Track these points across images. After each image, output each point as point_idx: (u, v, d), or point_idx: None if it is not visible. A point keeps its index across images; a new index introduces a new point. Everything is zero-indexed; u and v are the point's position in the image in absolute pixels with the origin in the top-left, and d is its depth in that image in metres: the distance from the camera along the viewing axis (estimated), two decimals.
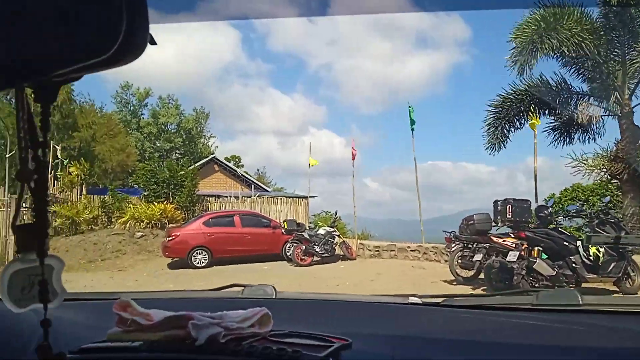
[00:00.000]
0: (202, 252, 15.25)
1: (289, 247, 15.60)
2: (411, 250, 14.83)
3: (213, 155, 39.54)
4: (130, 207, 19.92)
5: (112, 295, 1.69)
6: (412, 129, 17.29)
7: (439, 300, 1.71)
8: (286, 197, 24.66)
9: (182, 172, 22.32)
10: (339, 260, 15.69)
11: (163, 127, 51.54)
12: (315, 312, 1.76)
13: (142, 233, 18.24)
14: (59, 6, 0.51)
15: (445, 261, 12.67)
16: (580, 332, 1.41)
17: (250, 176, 40.65)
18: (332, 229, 15.47)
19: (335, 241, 15.34)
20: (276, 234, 15.89)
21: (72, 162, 21.15)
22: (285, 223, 15.38)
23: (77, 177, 20.49)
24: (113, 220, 20.84)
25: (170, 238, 15.29)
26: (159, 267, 15.58)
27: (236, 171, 39.38)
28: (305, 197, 23.84)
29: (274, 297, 1.83)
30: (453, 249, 10.48)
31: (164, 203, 20.31)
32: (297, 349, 1.06)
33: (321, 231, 15.32)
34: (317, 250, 14.88)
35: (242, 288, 1.93)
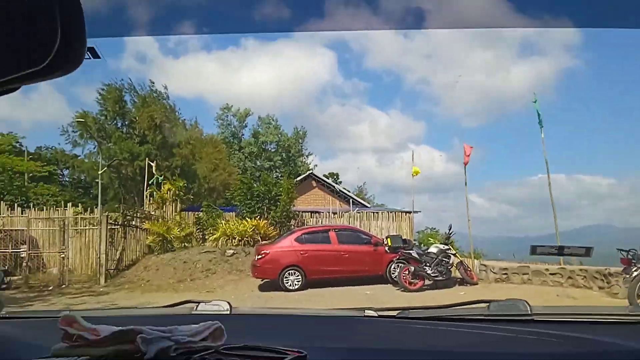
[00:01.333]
0: (294, 273, 13.18)
1: (394, 267, 13.10)
2: (550, 274, 11.64)
3: (311, 171, 38.01)
4: (222, 224, 18.50)
5: (58, 313, 1.57)
6: (540, 123, 14.02)
7: (395, 312, 1.73)
8: (387, 211, 22.07)
9: (278, 186, 20.68)
10: (456, 284, 12.88)
11: (263, 146, 51.70)
12: (270, 326, 1.74)
13: (233, 251, 16.62)
14: None
15: (600, 288, 9.55)
16: (530, 341, 1.41)
17: (349, 192, 38.54)
18: (446, 247, 12.71)
19: (450, 261, 12.57)
20: (378, 252, 13.43)
21: (167, 179, 20.28)
22: (389, 239, 12.86)
23: (170, 194, 19.51)
24: (207, 237, 19.60)
25: (259, 256, 13.41)
26: (249, 289, 13.75)
27: (334, 187, 37.53)
28: (409, 212, 21.14)
29: (228, 312, 1.79)
30: (635, 274, 7.44)
31: (258, 219, 18.68)
32: None
33: (433, 249, 12.62)
34: (429, 272, 12.22)
35: (196, 304, 1.87)
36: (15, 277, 15.85)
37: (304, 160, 53.23)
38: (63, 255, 16.20)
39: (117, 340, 1.06)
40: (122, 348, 1.04)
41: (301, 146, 53.96)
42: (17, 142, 39.58)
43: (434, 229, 37.24)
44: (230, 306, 1.83)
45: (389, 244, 12.64)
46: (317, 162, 50.15)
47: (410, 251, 12.43)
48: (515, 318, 1.57)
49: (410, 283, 12.09)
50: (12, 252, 16.01)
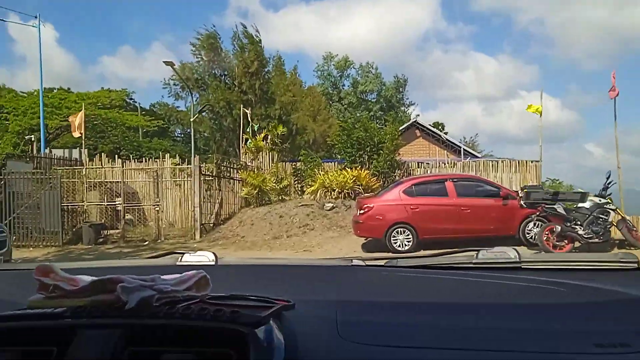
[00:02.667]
0: (403, 231, 10.86)
1: (532, 226, 10.30)
2: None
3: (414, 120, 34.82)
4: (320, 174, 16.51)
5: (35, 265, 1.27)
6: None
7: (382, 262, 1.70)
8: (509, 160, 18.72)
9: (381, 133, 18.21)
10: (614, 247, 9.85)
11: (362, 96, 49.35)
12: (257, 276, 1.70)
13: (332, 204, 14.62)
14: None
15: None
16: (518, 289, 1.39)
17: (455, 142, 34.96)
18: (604, 201, 9.61)
19: (609, 219, 9.49)
20: (509, 207, 10.63)
21: (265, 128, 18.55)
22: (525, 191, 9.98)
23: (267, 142, 17.80)
24: (305, 189, 17.83)
25: (362, 211, 11.21)
26: (351, 249, 11.71)
27: (441, 136, 34.22)
28: (536, 161, 17.68)
29: (214, 263, 1.69)
30: None
31: (359, 169, 16.45)
32: (236, 310, 0.93)
33: (586, 203, 9.58)
34: (581, 232, 9.30)
35: (180, 255, 1.76)
36: (114, 231, 15.20)
37: (405, 110, 50.14)
38: (158, 209, 15.23)
39: (96, 289, 0.96)
40: (102, 298, 0.95)
41: (402, 95, 50.72)
42: (130, 97, 40.70)
43: (557, 179, 32.83)
44: (216, 257, 1.71)
45: (526, 197, 9.78)
46: (418, 112, 46.49)
47: (554, 206, 9.52)
48: (503, 266, 1.54)
49: (554, 246, 9.29)
50: (107, 204, 15.28)
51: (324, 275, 1.68)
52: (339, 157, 19.06)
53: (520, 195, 10.26)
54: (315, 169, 17.84)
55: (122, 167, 16.29)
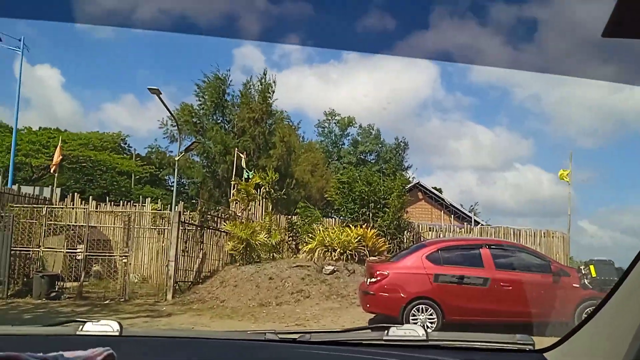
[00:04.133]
0: (426, 309, 8.32)
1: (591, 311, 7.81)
2: None
3: (417, 182, 32.78)
4: (320, 230, 14.06)
5: None
6: None
7: (295, 336, 1.66)
8: (531, 230, 16.32)
9: (385, 188, 15.95)
10: None
11: (362, 156, 47.71)
12: (165, 351, 1.60)
13: (333, 267, 12.09)
14: None
15: None
16: None
17: (459, 207, 32.81)
18: None
19: None
20: (563, 285, 8.17)
21: (256, 173, 16.22)
22: (592, 266, 7.55)
23: (260, 192, 15.44)
24: (301, 247, 15.32)
25: (373, 279, 8.69)
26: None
27: (443, 200, 32.08)
28: (564, 233, 15.31)
29: (118, 334, 1.58)
30: None
31: (363, 227, 14.04)
32: None
33: None
34: None
35: (82, 324, 1.62)
36: (74, 284, 12.51)
37: (403, 173, 48.31)
38: (125, 260, 12.63)
39: None
40: None
41: (402, 158, 49.04)
42: (124, 142, 38.61)
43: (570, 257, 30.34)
44: (121, 327, 1.60)
45: (592, 274, 7.33)
46: (415, 176, 45.00)
47: None
48: (411, 344, 1.56)
49: None
50: (66, 252, 12.66)
51: (235, 349, 1.64)
52: (341, 214, 16.67)
53: (582, 271, 7.81)
54: (314, 224, 15.41)
55: (88, 209, 13.73)
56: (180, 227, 12.80)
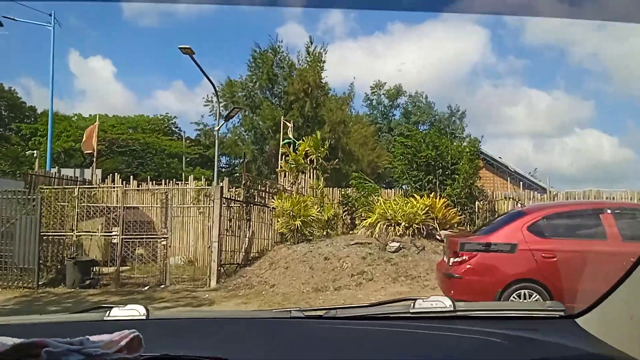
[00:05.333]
0: (530, 294, 6.23)
1: None
2: None
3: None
4: (379, 202, 12.10)
5: None
6: None
7: (321, 312, 1.63)
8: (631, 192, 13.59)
9: (454, 152, 13.72)
10: None
11: (414, 127, 44.96)
12: (191, 332, 1.54)
13: (398, 243, 10.14)
14: None
15: None
16: (453, 338, 1.38)
17: (525, 175, 29.90)
18: None
19: None
20: None
21: (305, 141, 14.31)
22: None
23: (308, 159, 13.56)
24: (357, 222, 13.47)
25: (457, 259, 6.67)
26: None
27: (507, 167, 29.21)
28: None
29: (145, 317, 1.57)
30: None
31: (430, 196, 11.97)
32: None
33: None
34: None
35: (108, 309, 1.61)
36: (111, 270, 11.24)
37: (460, 142, 45.07)
38: (164, 242, 11.20)
39: (19, 354, 0.85)
40: None
41: (458, 126, 45.80)
42: (174, 124, 37.82)
43: None
44: (147, 310, 1.59)
45: None
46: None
47: None
48: (439, 315, 1.52)
49: None
50: (100, 235, 11.37)
51: (262, 327, 1.62)
52: (402, 182, 14.63)
53: None
54: (372, 196, 13.45)
55: (123, 187, 12.33)
56: (224, 204, 11.22)
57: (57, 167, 16.87)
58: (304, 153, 13.25)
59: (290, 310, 1.64)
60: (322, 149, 13.56)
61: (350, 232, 13.20)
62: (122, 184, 14.71)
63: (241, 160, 31.49)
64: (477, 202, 13.43)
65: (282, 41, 31.85)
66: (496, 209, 13.62)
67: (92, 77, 50.60)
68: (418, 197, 11.71)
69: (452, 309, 1.51)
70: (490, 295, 6.29)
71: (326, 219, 12.12)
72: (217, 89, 19.10)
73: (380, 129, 43.66)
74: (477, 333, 1.36)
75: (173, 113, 51.85)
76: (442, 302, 1.54)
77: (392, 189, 15.51)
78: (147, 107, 53.60)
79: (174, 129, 38.00)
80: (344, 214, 14.14)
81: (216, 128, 14.77)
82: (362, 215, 12.84)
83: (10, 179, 12.37)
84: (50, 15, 18.36)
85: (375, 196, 13.35)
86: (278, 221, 11.75)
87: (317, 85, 26.71)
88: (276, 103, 27.57)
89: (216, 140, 15.18)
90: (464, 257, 6.57)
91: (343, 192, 14.41)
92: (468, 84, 54.98)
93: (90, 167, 16.29)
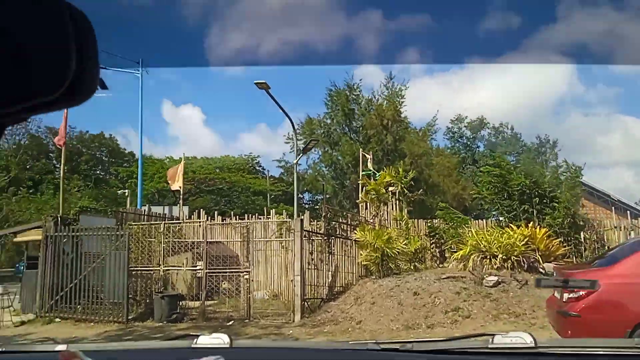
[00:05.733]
0: None
1: None
2: None
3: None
4: (471, 233, 11.18)
5: (55, 346, 1.49)
6: None
7: (398, 345, 1.61)
8: None
9: (550, 180, 12.52)
10: None
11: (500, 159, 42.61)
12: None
13: (496, 277, 9.16)
14: (7, 46, 0.44)
15: None
16: None
17: (629, 204, 27.09)
18: None
19: None
20: None
21: (385, 171, 13.76)
22: None
23: (389, 190, 12.93)
24: (447, 254, 12.58)
25: (574, 295, 5.73)
26: None
27: (610, 196, 26.61)
28: None
29: (229, 345, 1.63)
30: None
31: (529, 226, 10.87)
32: None
33: None
34: None
35: (195, 337, 1.68)
36: (197, 305, 11.23)
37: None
38: (247, 276, 11.03)
39: None
40: None
41: (547, 157, 42.89)
42: (257, 163, 38.93)
43: None
44: (231, 339, 1.66)
45: None
46: None
47: None
48: (519, 351, 1.44)
49: None
50: (186, 270, 11.44)
51: (339, 358, 1.66)
52: (493, 213, 13.58)
53: None
54: (462, 227, 12.54)
55: (205, 222, 12.45)
56: (305, 237, 10.91)
57: (147, 205, 17.64)
58: (385, 183, 12.69)
59: (367, 342, 1.64)
60: (405, 180, 12.93)
61: (440, 265, 12.32)
62: (207, 220, 14.99)
63: (322, 197, 31.56)
64: (582, 233, 12.04)
65: (361, 80, 32.08)
66: (605, 240, 12.13)
67: (183, 123, 54.49)
68: (515, 227, 10.68)
69: (533, 345, 1.44)
70: (617, 334, 5.28)
71: (412, 251, 11.38)
72: (295, 126, 19.35)
73: (464, 161, 42.06)
74: None
75: (257, 153, 54.14)
76: (522, 338, 1.47)
77: (484, 220, 14.44)
78: (233, 149, 56.59)
79: (257, 168, 39.18)
80: (432, 246, 13.30)
81: (294, 161, 14.65)
82: (452, 247, 11.95)
83: (102, 216, 12.95)
84: (138, 62, 19.63)
85: (466, 227, 12.43)
86: (361, 254, 11.21)
87: (396, 119, 26.34)
88: (355, 138, 27.45)
89: (295, 172, 15.18)
90: (580, 293, 5.62)
91: (429, 224, 13.59)
92: (555, 115, 51.91)
93: (178, 205, 16.84)
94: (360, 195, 13.95)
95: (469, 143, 45.19)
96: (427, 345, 1.62)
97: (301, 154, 13.35)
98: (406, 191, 12.93)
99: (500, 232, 10.48)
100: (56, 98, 0.46)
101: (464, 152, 43.85)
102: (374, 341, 1.65)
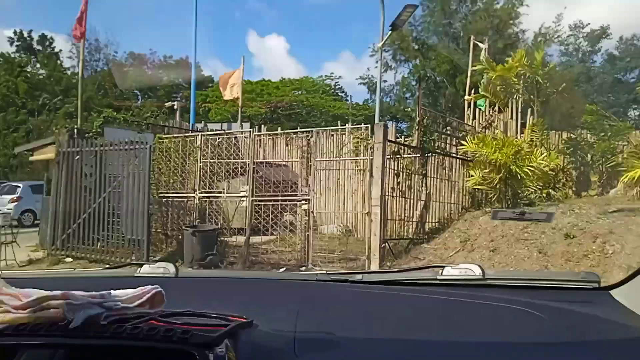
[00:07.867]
0: None
1: None
2: None
3: None
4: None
5: None
6: None
7: (348, 276, 1.57)
8: None
9: None
10: None
11: (620, 76, 35.60)
12: (218, 291, 1.52)
13: None
14: None
15: None
16: (481, 306, 1.28)
17: None
18: None
19: None
20: None
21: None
22: None
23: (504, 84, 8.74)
24: (593, 179, 8.49)
25: None
26: None
27: None
28: None
29: (174, 275, 1.55)
30: None
31: None
32: (188, 329, 0.83)
33: None
34: None
35: (139, 266, 1.62)
36: (239, 239, 8.31)
37: None
38: (305, 206, 7.83)
39: (41, 306, 0.85)
40: (46, 315, 0.84)
41: None
42: (337, 83, 35.20)
43: None
44: (177, 269, 1.56)
45: None
46: None
47: None
48: (468, 283, 1.43)
49: None
50: (226, 197, 8.41)
51: (288, 289, 1.57)
52: None
53: None
54: (615, 141, 8.27)
55: (252, 133, 9.09)
56: (388, 156, 7.40)
57: (202, 122, 14.89)
58: (516, 70, 8.51)
59: (317, 273, 1.63)
60: (542, 70, 8.65)
61: (584, 194, 8.28)
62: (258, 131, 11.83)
63: (408, 123, 27.46)
64: None
65: None
66: None
67: (269, 53, 52.47)
68: None
69: (481, 277, 1.42)
70: None
71: (551, 170, 7.42)
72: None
73: (578, 78, 35.17)
74: (506, 302, 1.25)
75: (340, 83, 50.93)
76: (471, 270, 1.44)
77: None
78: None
79: (338, 92, 35.45)
80: (568, 166, 9.17)
81: (379, 44, 10.66)
82: (605, 168, 7.81)
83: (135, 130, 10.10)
84: None
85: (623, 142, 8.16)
86: (472, 175, 7.45)
87: (509, 21, 21.09)
88: (455, 45, 22.64)
89: (379, 65, 11.17)
90: None
91: (568, 136, 9.36)
92: None
93: (237, 121, 13.84)
94: (466, 96, 9.88)
95: (584, 58, 37.71)
96: (376, 276, 1.58)
97: (390, 32, 9.19)
98: (543, 82, 8.68)
99: None
100: None
101: (579, 64, 36.68)
102: (325, 272, 1.63)
